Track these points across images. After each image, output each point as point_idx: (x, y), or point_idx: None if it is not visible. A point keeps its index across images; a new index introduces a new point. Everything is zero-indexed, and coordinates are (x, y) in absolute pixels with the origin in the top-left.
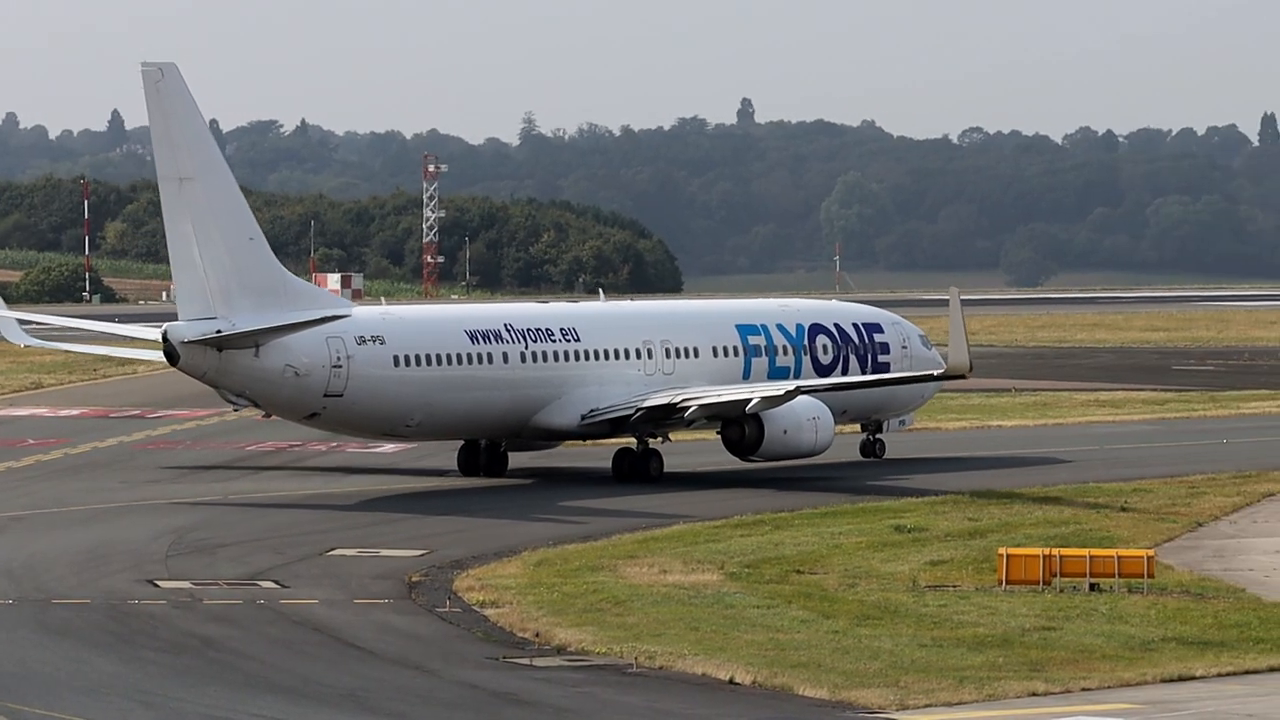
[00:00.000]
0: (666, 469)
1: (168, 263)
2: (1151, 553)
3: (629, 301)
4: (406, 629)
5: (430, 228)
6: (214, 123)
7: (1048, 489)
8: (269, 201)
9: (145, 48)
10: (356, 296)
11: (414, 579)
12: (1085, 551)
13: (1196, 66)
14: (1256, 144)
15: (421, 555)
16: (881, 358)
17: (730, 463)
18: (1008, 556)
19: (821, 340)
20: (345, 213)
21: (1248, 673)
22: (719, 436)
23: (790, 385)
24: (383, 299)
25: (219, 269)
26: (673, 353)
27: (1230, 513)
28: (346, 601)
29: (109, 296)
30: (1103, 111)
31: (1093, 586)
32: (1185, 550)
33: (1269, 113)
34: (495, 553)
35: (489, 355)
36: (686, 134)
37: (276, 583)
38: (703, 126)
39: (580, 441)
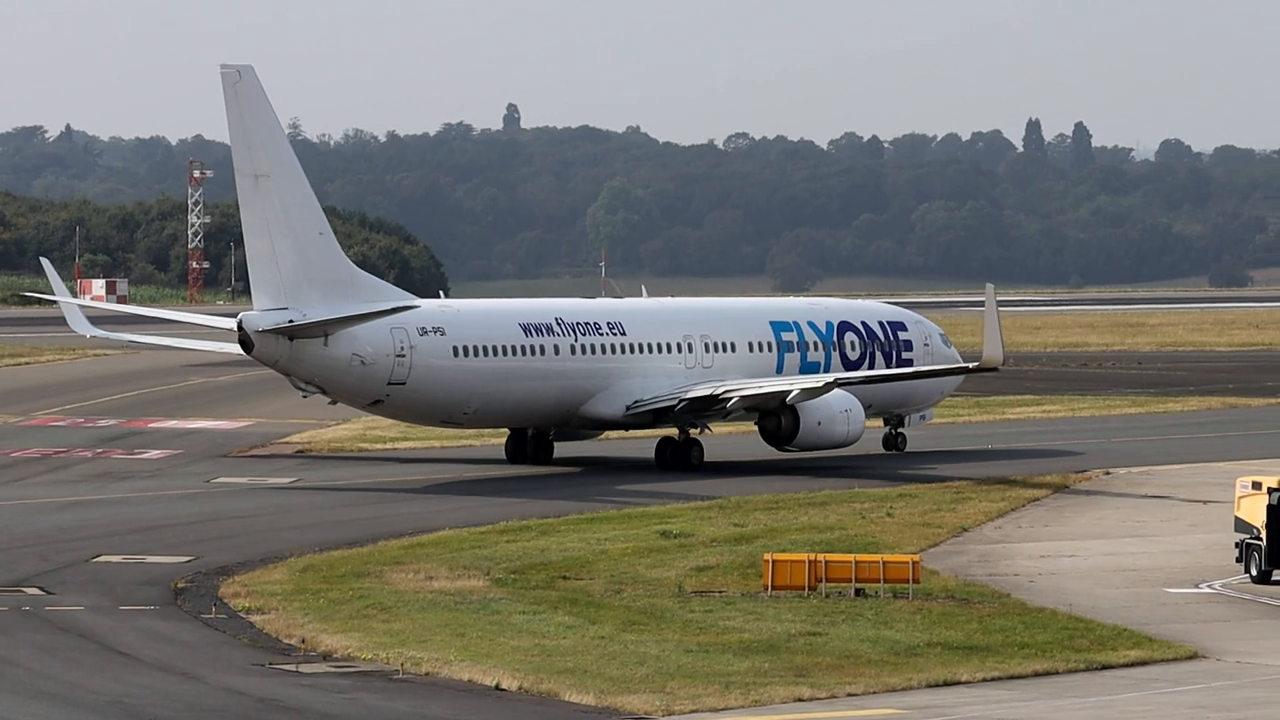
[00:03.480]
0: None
1: None
2: (917, 558)
3: (671, 299)
4: (172, 635)
5: (195, 234)
6: None
7: (813, 494)
8: (34, 207)
9: None
10: (122, 302)
11: (180, 585)
12: (851, 557)
13: (961, 73)
14: (1021, 150)
15: (188, 561)
16: (905, 354)
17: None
18: (773, 562)
19: (850, 337)
20: (110, 218)
21: (1013, 678)
22: (756, 427)
23: (829, 378)
24: (442, 293)
25: (291, 262)
26: (712, 347)
27: (995, 518)
28: (112, 608)
29: None
30: (868, 117)
31: (858, 592)
32: (950, 555)
33: (1033, 119)
34: (261, 559)
35: (541, 347)
36: (452, 140)
37: (41, 589)
38: (468, 132)
39: (624, 431)
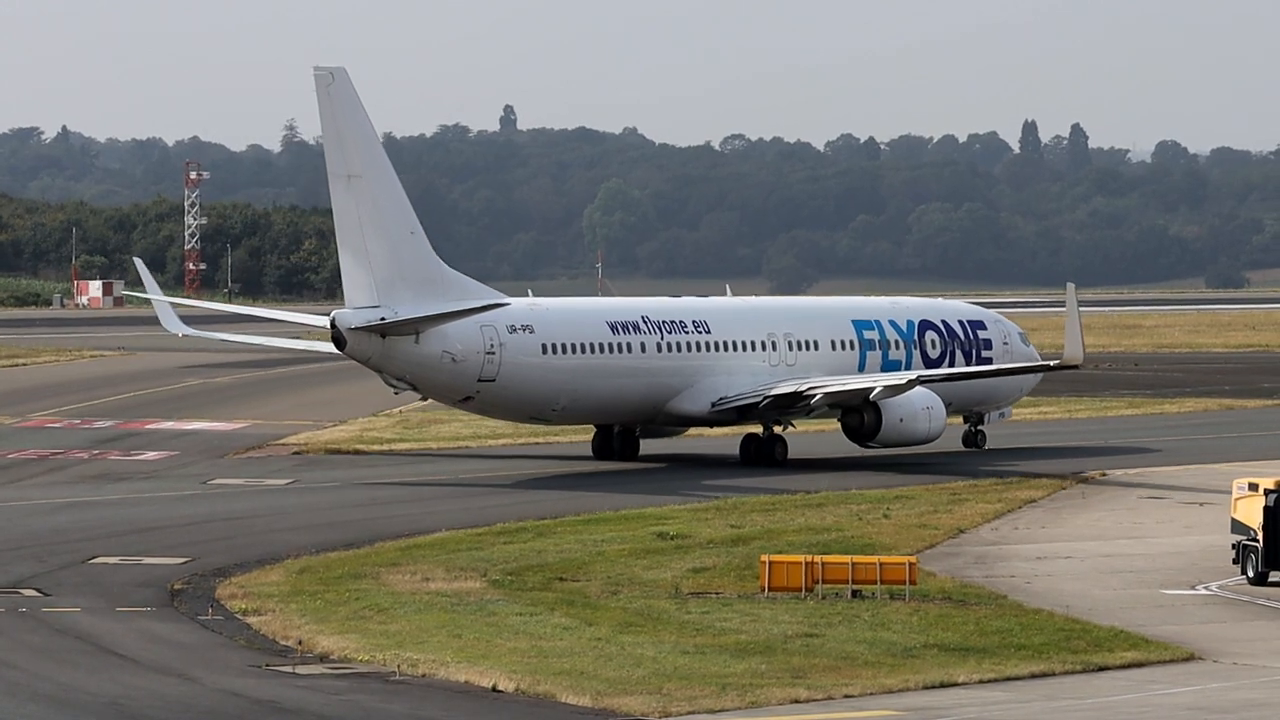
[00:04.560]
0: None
1: None
2: (913, 559)
3: (755, 298)
4: (168, 637)
5: (192, 235)
6: None
7: (810, 495)
8: (30, 209)
9: None
10: (118, 304)
11: (176, 587)
12: (847, 558)
13: (958, 74)
14: (1017, 151)
15: (184, 563)
16: (985, 353)
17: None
18: (770, 563)
19: (930, 336)
20: (107, 220)
21: (1009, 679)
22: (839, 424)
23: (911, 375)
24: (529, 290)
25: (383, 260)
26: (795, 345)
27: (991, 519)
28: (108, 609)
29: None
30: (864, 119)
31: (855, 593)
32: (947, 557)
33: (1029, 120)
34: (258, 560)
35: (628, 345)
36: (449, 141)
37: (38, 590)
38: (465, 134)
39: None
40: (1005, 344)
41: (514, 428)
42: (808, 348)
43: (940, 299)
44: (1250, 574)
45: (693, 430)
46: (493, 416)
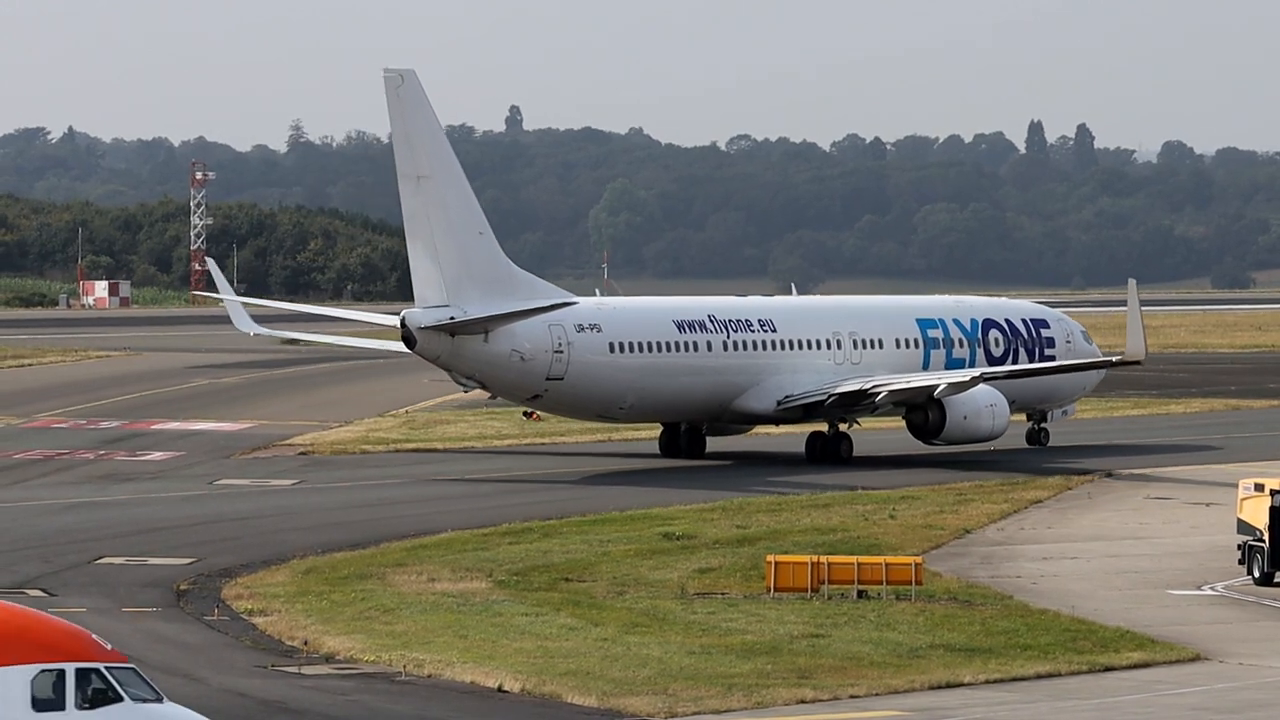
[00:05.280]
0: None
1: None
2: (919, 560)
3: (820, 297)
4: (174, 637)
5: (198, 235)
6: None
7: (816, 496)
8: (36, 209)
9: None
10: (124, 304)
11: (182, 587)
12: (853, 559)
13: (963, 75)
14: (1023, 151)
15: (190, 563)
16: (1048, 351)
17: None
18: (776, 564)
19: (994, 334)
20: (113, 220)
21: (1015, 680)
22: (904, 421)
23: (975, 372)
24: (597, 290)
25: (452, 260)
26: (860, 344)
27: (997, 520)
28: (114, 610)
29: None
30: (870, 119)
31: (861, 594)
32: (953, 557)
33: (1035, 120)
34: (264, 561)
35: (695, 344)
36: (454, 141)
37: (45, 591)
38: (470, 134)
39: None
40: (1068, 342)
41: (519, 428)
42: (872, 346)
43: (1004, 298)
44: (1256, 574)
45: (759, 428)
46: (560, 414)
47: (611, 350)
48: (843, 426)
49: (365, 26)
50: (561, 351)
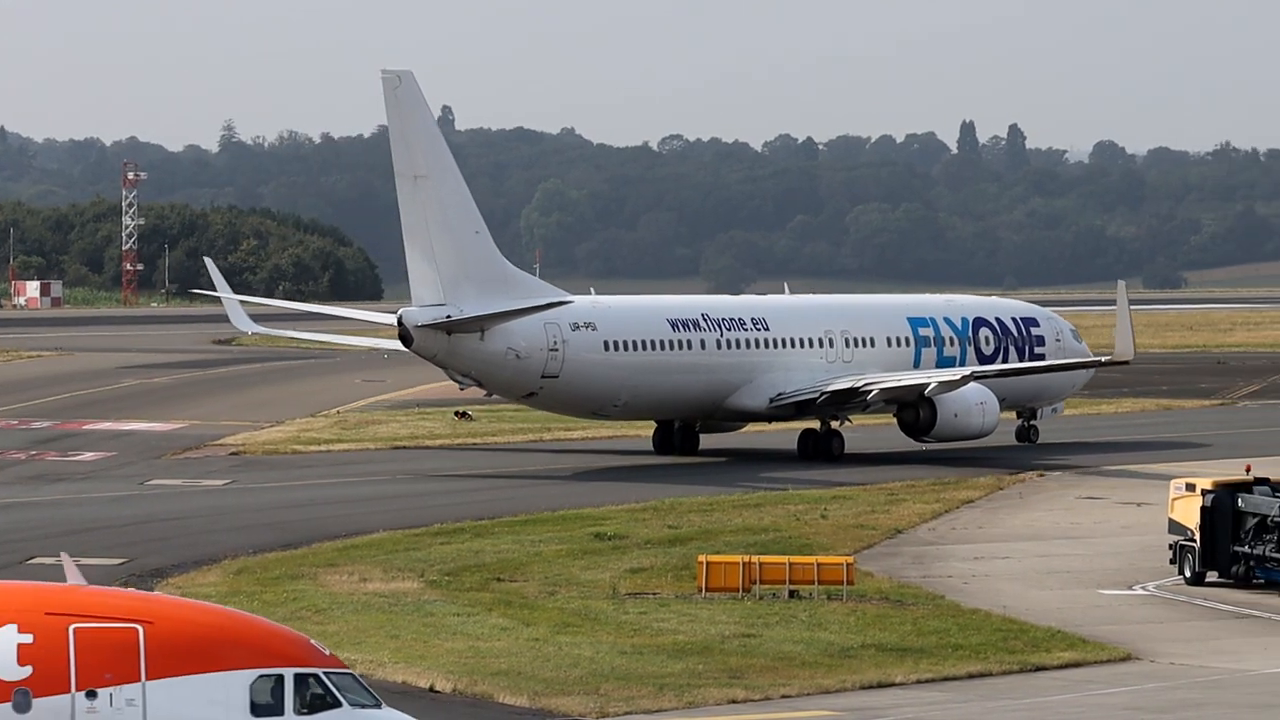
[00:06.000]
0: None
1: None
2: (851, 560)
3: (812, 296)
4: None
5: (130, 235)
6: None
7: (747, 496)
8: None
9: None
10: (56, 304)
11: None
12: (785, 559)
13: (895, 75)
14: (955, 151)
15: (122, 564)
16: (1038, 349)
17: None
18: (707, 564)
19: (984, 332)
20: (44, 220)
21: (947, 679)
22: (895, 419)
23: (966, 371)
24: (592, 289)
25: (449, 259)
26: (851, 342)
27: (929, 519)
28: None
29: None
30: (802, 119)
31: (792, 593)
32: (885, 557)
33: (967, 120)
34: (196, 561)
35: (688, 342)
36: (386, 141)
37: None
38: None
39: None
40: (1057, 340)
41: (449, 427)
42: (864, 344)
43: (995, 297)
44: (1187, 574)
45: (751, 426)
46: (555, 412)
47: (606, 348)
48: (834, 424)
49: (297, 27)
50: (557, 349)
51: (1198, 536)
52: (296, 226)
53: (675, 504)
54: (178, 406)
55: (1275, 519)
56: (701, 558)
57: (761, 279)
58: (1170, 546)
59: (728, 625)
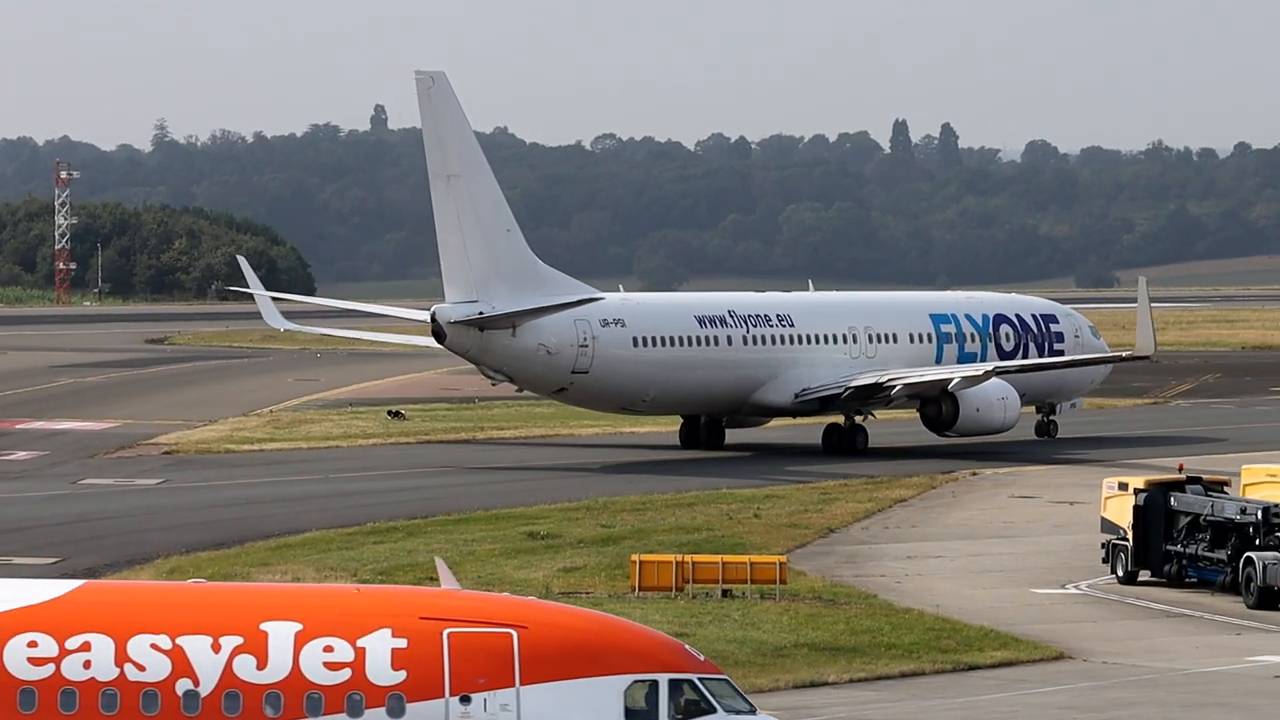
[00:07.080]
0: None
1: None
2: (784, 559)
3: (835, 292)
4: None
5: (62, 235)
6: None
7: (681, 495)
8: None
9: None
10: None
11: None
12: (718, 558)
13: (828, 74)
14: (888, 151)
15: (54, 563)
16: (1057, 345)
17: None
18: (640, 563)
19: (1005, 329)
20: None
21: (880, 679)
22: (918, 414)
23: (988, 366)
24: (621, 286)
25: (481, 257)
26: (875, 338)
27: (862, 518)
28: None
29: None
30: (735, 118)
31: (725, 593)
32: (817, 556)
33: (900, 119)
34: (128, 560)
35: (715, 338)
36: (319, 140)
37: None
38: (336, 133)
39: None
40: (1076, 336)
41: (383, 426)
42: (887, 340)
43: (1015, 294)
44: (1120, 573)
45: (776, 420)
46: (585, 407)
47: (635, 344)
48: (858, 419)
49: (230, 26)
50: (586, 346)
51: (1130, 535)
52: (229, 226)
53: (609, 503)
54: (111, 405)
55: (1208, 518)
56: (635, 557)
57: (694, 278)
58: (1103, 545)
59: (661, 624)
